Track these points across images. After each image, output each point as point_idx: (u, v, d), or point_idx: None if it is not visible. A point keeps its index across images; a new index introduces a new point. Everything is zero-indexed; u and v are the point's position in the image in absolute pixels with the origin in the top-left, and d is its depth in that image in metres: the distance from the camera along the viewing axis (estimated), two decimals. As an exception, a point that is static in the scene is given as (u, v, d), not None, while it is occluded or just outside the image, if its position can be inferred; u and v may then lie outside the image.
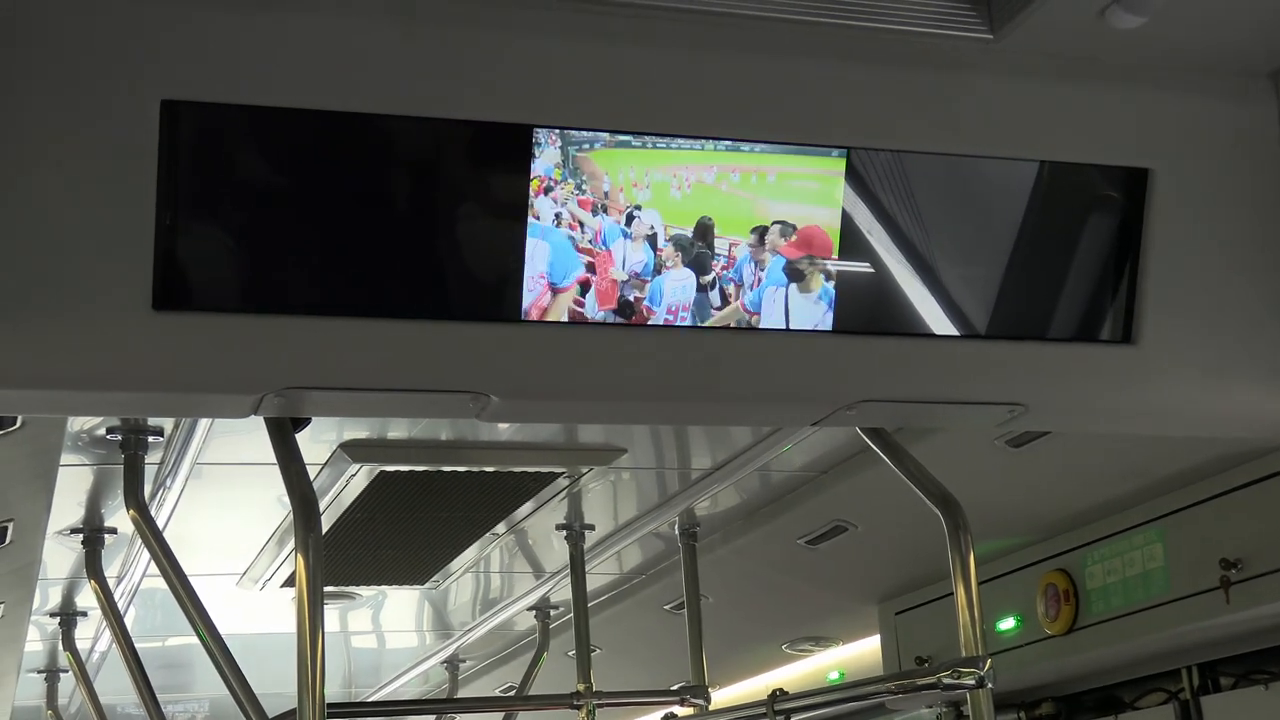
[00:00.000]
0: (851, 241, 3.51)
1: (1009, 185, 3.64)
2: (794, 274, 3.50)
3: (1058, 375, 3.76)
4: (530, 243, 3.32)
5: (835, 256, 3.52)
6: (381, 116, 3.21)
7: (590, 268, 3.38)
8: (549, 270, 3.35)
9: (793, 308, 3.51)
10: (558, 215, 3.33)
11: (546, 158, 3.29)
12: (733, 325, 3.49)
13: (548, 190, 3.31)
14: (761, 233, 3.46)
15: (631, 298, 3.42)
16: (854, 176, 3.48)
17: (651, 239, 3.41)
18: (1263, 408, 3.89)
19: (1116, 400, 3.84)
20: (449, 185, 3.33)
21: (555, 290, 3.36)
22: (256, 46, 3.10)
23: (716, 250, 3.44)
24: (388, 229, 3.27)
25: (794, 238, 3.47)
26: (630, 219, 3.38)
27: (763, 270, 3.47)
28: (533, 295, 3.34)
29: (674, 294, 3.45)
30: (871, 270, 3.56)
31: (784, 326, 3.51)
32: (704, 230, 3.43)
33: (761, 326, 3.50)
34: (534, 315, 3.34)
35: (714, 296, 3.47)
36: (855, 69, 3.46)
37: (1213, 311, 3.77)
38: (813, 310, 3.52)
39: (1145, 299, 3.72)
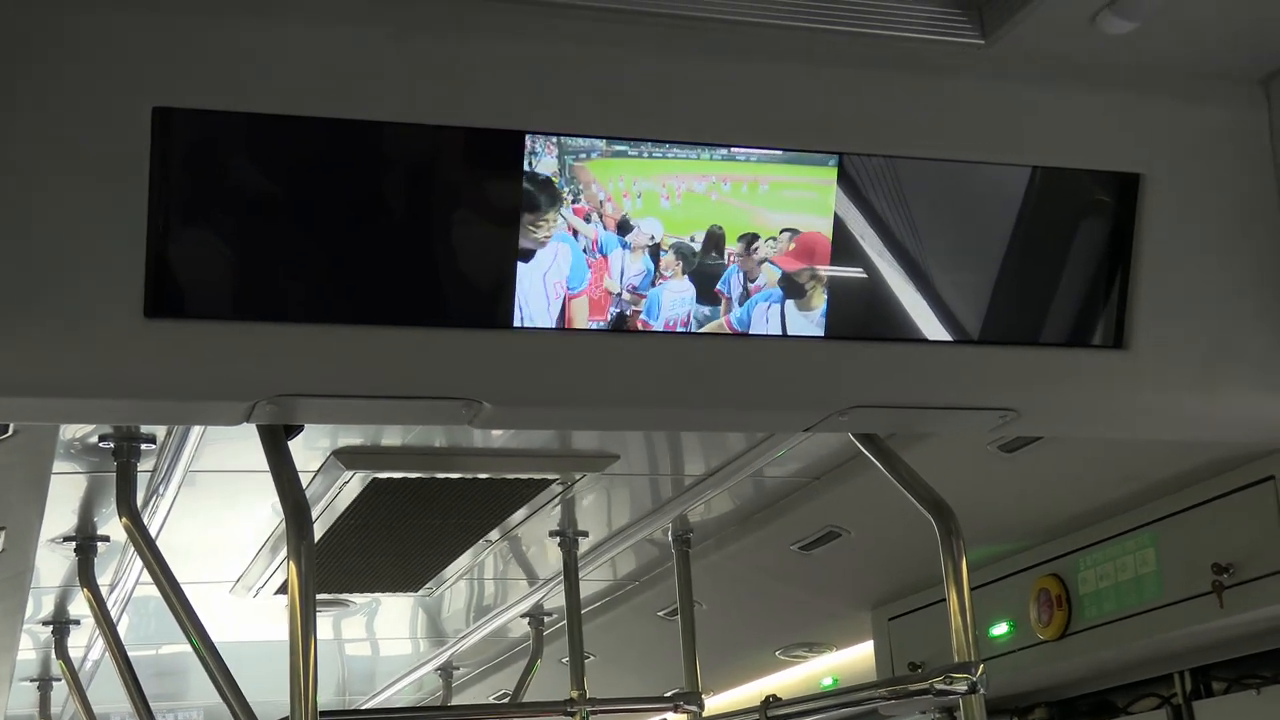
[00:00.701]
0: (843, 248, 3.51)
1: (1000, 190, 3.64)
2: (792, 288, 3.48)
3: (1049, 380, 3.76)
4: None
5: (828, 264, 3.51)
6: (374, 123, 3.20)
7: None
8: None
9: (785, 317, 3.50)
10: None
11: (543, 166, 3.28)
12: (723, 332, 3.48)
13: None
14: (750, 241, 3.45)
15: (628, 312, 3.40)
16: (846, 183, 3.48)
17: (652, 249, 3.39)
18: (1254, 412, 3.89)
19: (1108, 405, 3.85)
20: (440, 191, 3.33)
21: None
22: (248, 53, 3.10)
23: (719, 260, 3.43)
24: (380, 236, 3.26)
25: (792, 247, 3.46)
26: (624, 228, 3.37)
27: (752, 281, 3.46)
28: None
29: (672, 307, 3.43)
30: (863, 276, 3.55)
31: (776, 333, 3.50)
32: (715, 240, 3.41)
33: (753, 332, 3.50)
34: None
35: (720, 309, 3.45)
36: (847, 75, 3.46)
37: (1204, 316, 3.77)
38: (804, 317, 3.52)
39: (1137, 304, 3.72)
